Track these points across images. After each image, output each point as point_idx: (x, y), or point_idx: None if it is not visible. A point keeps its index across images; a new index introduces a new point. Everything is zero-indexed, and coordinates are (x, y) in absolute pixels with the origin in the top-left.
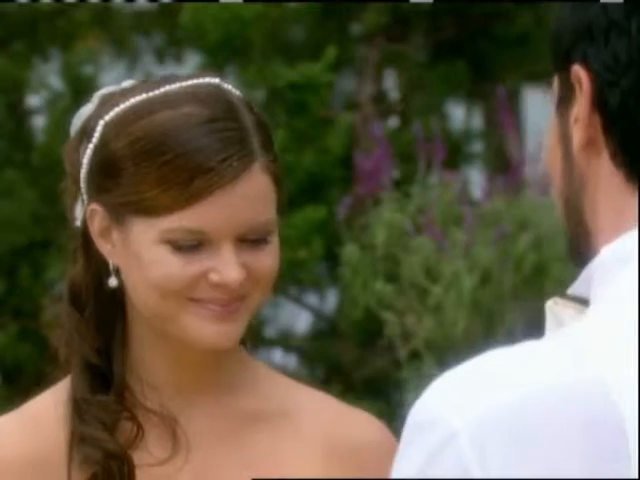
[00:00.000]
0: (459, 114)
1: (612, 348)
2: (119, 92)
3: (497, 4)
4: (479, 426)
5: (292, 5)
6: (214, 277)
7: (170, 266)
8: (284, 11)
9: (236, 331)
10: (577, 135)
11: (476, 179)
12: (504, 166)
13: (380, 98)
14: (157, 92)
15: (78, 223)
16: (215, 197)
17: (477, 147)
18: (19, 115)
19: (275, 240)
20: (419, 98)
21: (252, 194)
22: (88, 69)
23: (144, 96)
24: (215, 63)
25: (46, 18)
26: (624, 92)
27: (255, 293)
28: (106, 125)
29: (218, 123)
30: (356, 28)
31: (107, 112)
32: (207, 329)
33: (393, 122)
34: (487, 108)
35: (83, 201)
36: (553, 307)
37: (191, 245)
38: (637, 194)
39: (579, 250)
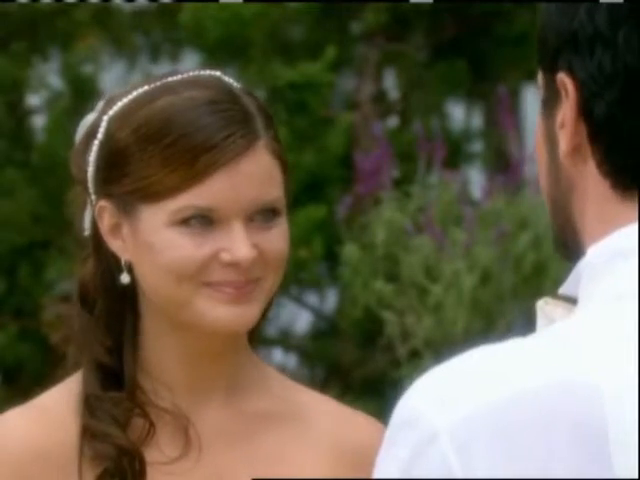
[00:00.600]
0: (459, 113)
1: (600, 347)
2: (122, 91)
3: (497, 4)
4: (462, 426)
5: (292, 5)
6: (225, 256)
7: (182, 249)
8: (284, 11)
9: (251, 314)
10: (563, 141)
11: (476, 178)
12: (504, 165)
13: (380, 97)
14: (158, 83)
15: (87, 233)
16: (220, 174)
17: (477, 146)
18: (19, 115)
19: (284, 222)
20: (419, 97)
21: (257, 172)
22: (88, 68)
23: (146, 88)
24: (215, 63)
25: (46, 18)
26: (609, 103)
27: (268, 276)
28: (110, 120)
29: (220, 104)
30: (356, 28)
31: (111, 107)
32: (222, 311)
33: (393, 122)
34: (487, 107)
35: (92, 202)
36: (544, 307)
37: (201, 226)
38: (624, 201)
39: (566, 245)
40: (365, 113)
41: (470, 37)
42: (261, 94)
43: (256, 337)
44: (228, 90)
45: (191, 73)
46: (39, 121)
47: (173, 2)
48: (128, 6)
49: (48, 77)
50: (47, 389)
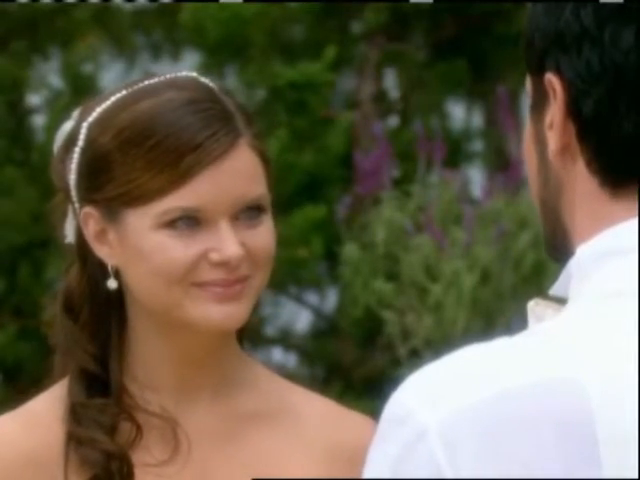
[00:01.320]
0: (459, 113)
1: (588, 345)
2: (99, 98)
3: (497, 4)
4: (451, 424)
5: (292, 4)
6: (214, 256)
7: (171, 250)
8: (284, 10)
9: (241, 312)
10: (552, 141)
11: (476, 178)
12: (504, 165)
13: (380, 97)
14: (136, 87)
15: (69, 239)
16: (206, 173)
17: (477, 146)
18: (19, 114)
19: (269, 219)
20: (419, 97)
21: (241, 169)
22: (88, 68)
23: (124, 92)
24: (215, 62)
25: (46, 17)
26: (597, 101)
27: (256, 274)
28: (90, 126)
29: (200, 104)
30: (356, 27)
31: (89, 114)
32: (212, 310)
33: (393, 121)
34: (487, 107)
35: (75, 210)
36: (535, 308)
37: (188, 227)
38: (613, 199)
39: (556, 247)
40: (365, 113)
41: (470, 37)
42: (261, 94)
43: (248, 337)
44: (206, 90)
45: (168, 75)
46: (39, 120)
47: (173, 2)
48: (128, 6)
49: (48, 76)
50: (46, 389)
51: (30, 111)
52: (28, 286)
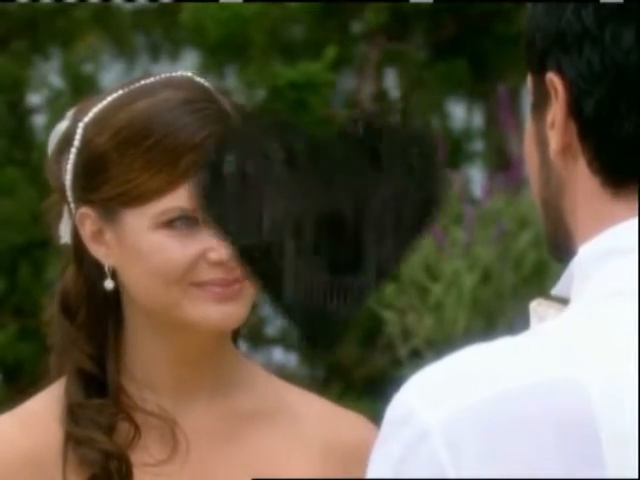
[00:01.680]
0: (459, 113)
1: (588, 345)
2: (94, 98)
3: (497, 3)
4: (452, 423)
5: (292, 4)
6: (213, 255)
7: (169, 250)
8: (284, 10)
9: (239, 311)
10: (554, 141)
11: (476, 177)
12: (504, 164)
13: (380, 97)
14: (132, 87)
15: (64, 240)
16: None
17: (477, 146)
18: (19, 114)
19: None
20: (419, 97)
21: None
22: (88, 67)
23: (120, 92)
24: (215, 62)
25: (46, 17)
26: (598, 101)
27: None
28: (86, 126)
29: (196, 103)
30: (356, 27)
31: (85, 114)
32: (211, 310)
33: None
34: (487, 107)
35: (71, 210)
36: (537, 308)
37: (186, 227)
38: (614, 198)
39: (558, 247)
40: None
41: (470, 36)
42: (261, 94)
43: (242, 336)
44: (202, 89)
45: (163, 75)
46: (39, 120)
47: (173, 2)
48: (128, 5)
49: (48, 76)
50: (44, 389)
51: (30, 111)
52: (28, 286)
